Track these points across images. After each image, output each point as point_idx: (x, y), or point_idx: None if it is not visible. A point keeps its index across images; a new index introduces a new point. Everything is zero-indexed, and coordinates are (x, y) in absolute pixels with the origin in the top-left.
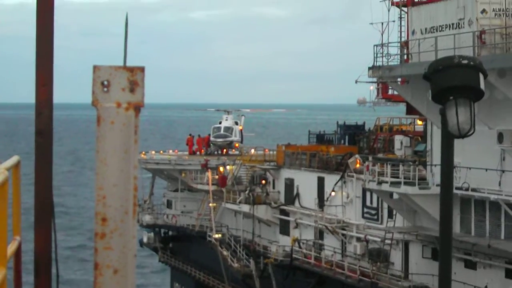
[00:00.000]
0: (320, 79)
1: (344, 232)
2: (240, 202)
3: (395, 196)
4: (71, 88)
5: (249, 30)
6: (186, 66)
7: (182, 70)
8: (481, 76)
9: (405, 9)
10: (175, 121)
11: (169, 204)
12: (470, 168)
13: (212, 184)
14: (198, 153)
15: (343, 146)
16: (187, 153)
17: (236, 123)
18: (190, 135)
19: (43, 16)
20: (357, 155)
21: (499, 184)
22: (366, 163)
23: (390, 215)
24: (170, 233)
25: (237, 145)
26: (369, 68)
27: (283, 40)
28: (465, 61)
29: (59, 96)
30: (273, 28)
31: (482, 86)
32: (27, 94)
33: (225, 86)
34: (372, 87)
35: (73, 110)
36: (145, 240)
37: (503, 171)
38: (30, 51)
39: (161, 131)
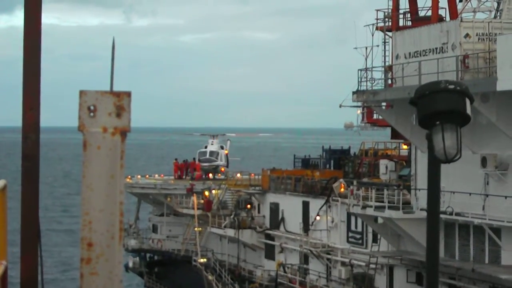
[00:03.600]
0: (308, 103)
1: (329, 256)
2: (225, 227)
3: (380, 220)
4: (58, 111)
5: (238, 54)
6: (174, 90)
7: (170, 94)
8: (468, 101)
9: (389, 33)
10: (161, 145)
11: (154, 229)
12: (454, 193)
13: (198, 209)
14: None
15: (328, 170)
16: (172, 177)
17: (222, 148)
18: (175, 159)
19: (30, 40)
20: (341, 180)
21: (483, 208)
22: (351, 187)
23: (375, 240)
24: (156, 257)
25: (222, 169)
26: (353, 93)
27: (272, 65)
28: (451, 86)
29: (45, 119)
30: (262, 52)
31: (468, 111)
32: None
33: (214, 110)
34: (359, 111)
35: (60, 133)
36: (130, 264)
37: (487, 195)
38: (17, 74)
39: (149, 154)
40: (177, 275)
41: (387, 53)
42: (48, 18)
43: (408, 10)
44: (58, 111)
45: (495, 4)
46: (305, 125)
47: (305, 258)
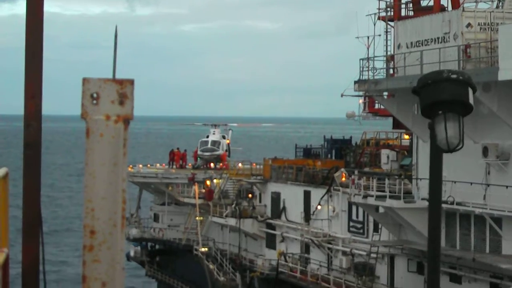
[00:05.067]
0: (310, 92)
1: (330, 245)
2: (226, 216)
3: (381, 210)
4: (61, 100)
5: (240, 43)
6: (176, 79)
7: (172, 83)
8: (470, 91)
9: (391, 23)
10: (163, 134)
11: (156, 218)
12: (455, 182)
13: (199, 198)
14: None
15: (330, 160)
16: (174, 166)
17: (224, 137)
18: (177, 149)
19: (32, 28)
20: (343, 169)
21: (484, 198)
22: (352, 177)
23: (376, 229)
24: (157, 246)
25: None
26: (355, 82)
27: (274, 54)
28: (454, 76)
29: (48, 107)
30: (265, 42)
31: (471, 100)
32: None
33: (215, 99)
34: (361, 101)
35: (63, 122)
36: (132, 253)
37: (488, 185)
38: (20, 62)
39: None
40: (178, 264)
41: (389, 43)
42: (50, 6)
43: (410, 0)
44: (61, 99)
45: None
46: (307, 114)
47: (306, 248)
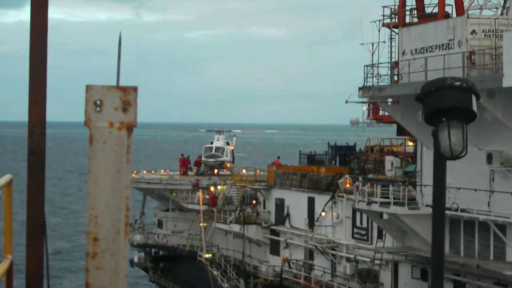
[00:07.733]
0: (314, 99)
1: (334, 252)
2: (230, 222)
3: (385, 216)
4: (66, 106)
5: (245, 50)
6: (181, 85)
7: (177, 90)
8: (474, 98)
9: (395, 29)
10: (169, 141)
11: (160, 224)
12: (459, 189)
13: (203, 204)
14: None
15: (334, 166)
16: (178, 172)
17: (228, 144)
18: (181, 155)
19: (37, 35)
20: (347, 176)
21: (488, 205)
22: (356, 183)
23: (380, 236)
24: (161, 252)
25: (228, 165)
26: (360, 89)
27: (279, 61)
28: (457, 83)
29: (53, 114)
30: (270, 49)
31: (474, 107)
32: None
33: (221, 106)
34: (365, 107)
35: (67, 129)
36: (135, 259)
37: (492, 192)
38: (26, 69)
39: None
40: (182, 271)
41: (393, 49)
42: (56, 13)
43: (414, 6)
44: (66, 106)
45: (502, 1)
46: (311, 121)
47: (310, 254)
